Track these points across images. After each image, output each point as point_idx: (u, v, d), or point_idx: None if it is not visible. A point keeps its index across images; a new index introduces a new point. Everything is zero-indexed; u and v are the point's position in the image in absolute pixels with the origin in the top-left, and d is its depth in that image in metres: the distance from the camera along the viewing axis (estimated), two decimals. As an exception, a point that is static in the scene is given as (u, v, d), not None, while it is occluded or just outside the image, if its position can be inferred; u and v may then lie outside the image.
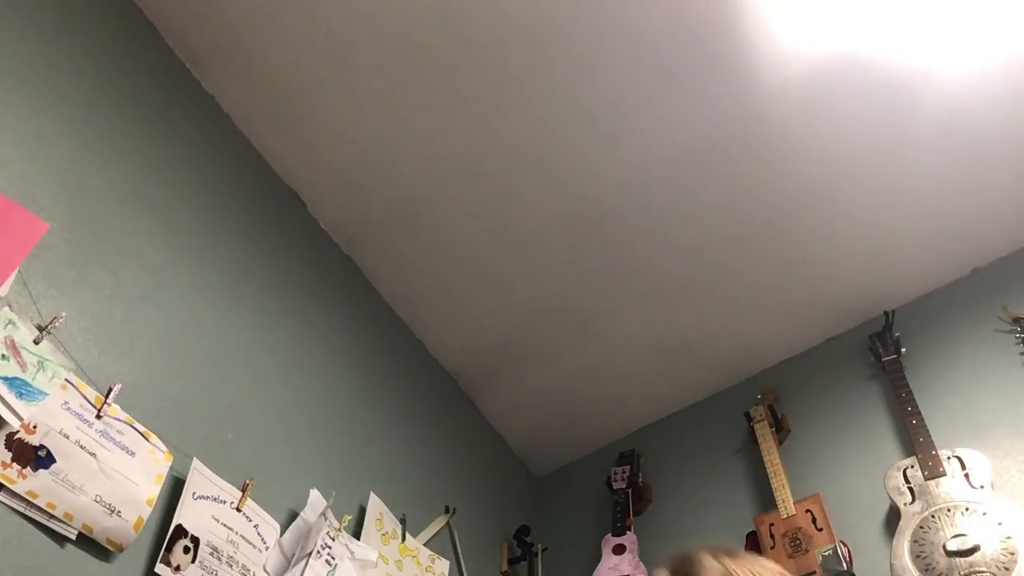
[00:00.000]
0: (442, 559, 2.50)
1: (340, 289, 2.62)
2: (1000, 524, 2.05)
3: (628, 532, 2.75)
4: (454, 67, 2.28)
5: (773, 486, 2.50)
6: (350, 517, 2.15)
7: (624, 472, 2.93)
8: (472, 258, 2.71)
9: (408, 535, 2.39)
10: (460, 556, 2.65)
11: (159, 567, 1.57)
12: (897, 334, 2.64)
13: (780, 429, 2.69)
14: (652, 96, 2.34)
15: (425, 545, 2.47)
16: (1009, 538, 2.01)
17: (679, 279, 2.76)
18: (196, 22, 2.20)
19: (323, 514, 1.99)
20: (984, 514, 2.08)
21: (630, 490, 2.87)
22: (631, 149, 2.45)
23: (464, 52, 2.25)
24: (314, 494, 2.05)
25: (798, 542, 2.35)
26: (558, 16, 2.19)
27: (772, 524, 2.43)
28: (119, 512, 1.50)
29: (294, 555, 1.88)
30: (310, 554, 1.88)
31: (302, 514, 1.98)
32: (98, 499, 1.47)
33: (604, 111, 2.37)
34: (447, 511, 2.66)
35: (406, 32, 2.21)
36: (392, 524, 2.34)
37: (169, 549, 1.60)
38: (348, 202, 2.57)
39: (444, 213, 2.60)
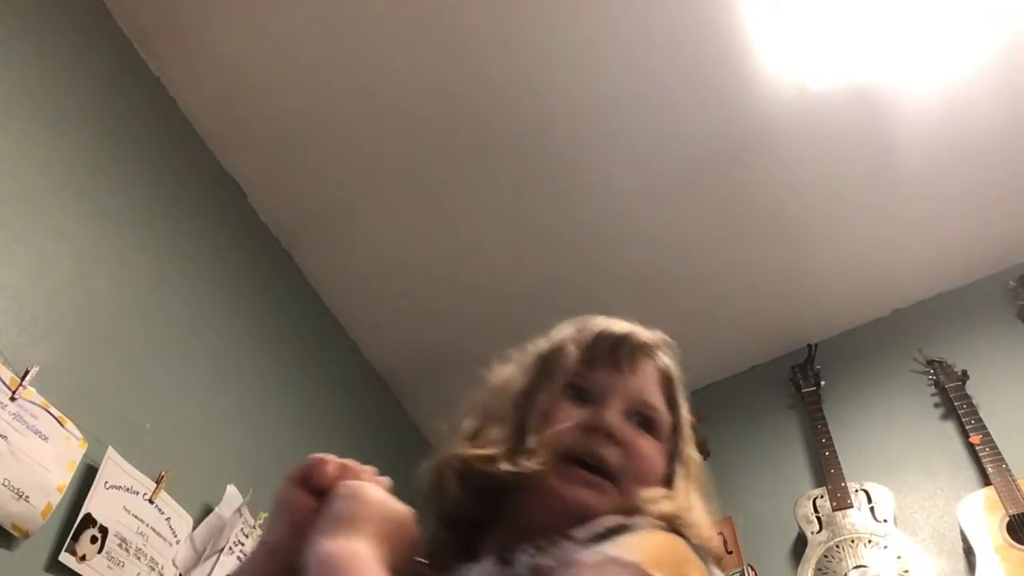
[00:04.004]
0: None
1: (275, 283, 2.60)
2: (899, 558, 2.13)
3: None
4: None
5: (688, 507, 2.55)
6: (266, 515, 2.13)
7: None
8: (411, 263, 2.71)
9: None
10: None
11: (64, 556, 1.53)
12: (818, 367, 2.72)
13: (700, 451, 2.74)
14: (595, 129, 2.39)
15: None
16: (907, 572, 2.10)
17: (616, 298, 2.79)
18: (147, 1, 2.16)
19: (239, 510, 1.96)
20: (885, 547, 2.16)
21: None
22: (579, 168, 2.49)
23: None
24: (231, 489, 2.01)
25: (708, 564, 2.40)
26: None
27: (685, 544, 2.48)
28: (27, 497, 1.46)
29: (205, 550, 1.86)
30: (222, 550, 1.86)
31: (217, 509, 1.95)
32: (6, 483, 1.43)
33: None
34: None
35: (361, 37, 2.21)
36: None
37: (76, 538, 1.56)
38: (290, 197, 2.55)
39: (385, 216, 2.60)
